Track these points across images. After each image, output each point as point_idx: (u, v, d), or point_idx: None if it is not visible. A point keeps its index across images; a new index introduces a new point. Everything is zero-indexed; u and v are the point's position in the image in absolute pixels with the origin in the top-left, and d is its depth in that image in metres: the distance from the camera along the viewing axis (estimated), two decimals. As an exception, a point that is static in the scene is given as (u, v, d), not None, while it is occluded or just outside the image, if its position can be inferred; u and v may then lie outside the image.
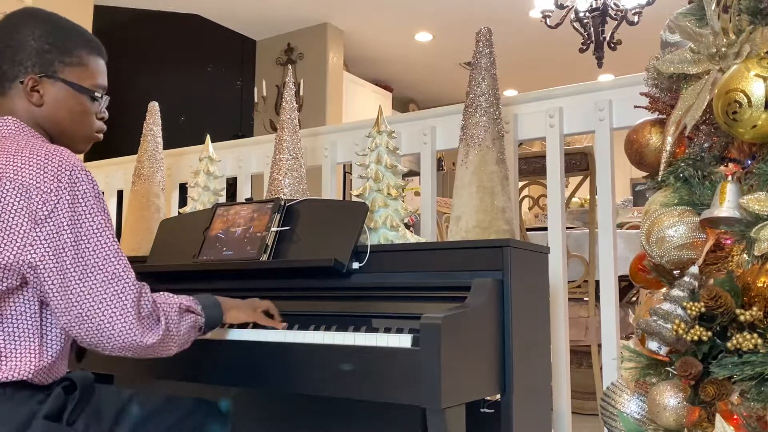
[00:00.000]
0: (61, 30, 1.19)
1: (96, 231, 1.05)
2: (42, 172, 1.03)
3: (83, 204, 1.05)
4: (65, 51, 1.18)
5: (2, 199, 1.02)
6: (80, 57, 1.20)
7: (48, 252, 1.02)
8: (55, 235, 1.02)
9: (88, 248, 1.04)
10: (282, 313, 1.48)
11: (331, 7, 5.62)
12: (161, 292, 1.16)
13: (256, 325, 1.40)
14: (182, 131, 4.00)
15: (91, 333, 1.03)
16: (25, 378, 1.04)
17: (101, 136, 1.26)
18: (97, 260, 1.04)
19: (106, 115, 1.27)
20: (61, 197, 1.03)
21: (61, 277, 1.02)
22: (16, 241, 1.01)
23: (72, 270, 1.03)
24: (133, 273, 1.09)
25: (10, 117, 1.15)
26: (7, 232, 1.01)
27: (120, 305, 1.04)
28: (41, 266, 1.02)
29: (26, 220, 1.02)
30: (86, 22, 4.24)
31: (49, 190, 1.03)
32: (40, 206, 1.02)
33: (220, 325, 1.28)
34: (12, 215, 1.02)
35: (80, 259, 1.03)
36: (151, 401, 1.19)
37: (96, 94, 1.22)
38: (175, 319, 1.12)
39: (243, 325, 1.43)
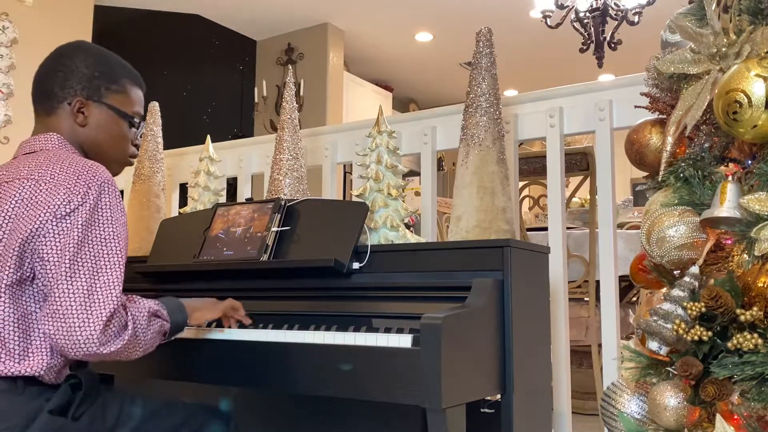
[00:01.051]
0: (108, 61, 1.32)
1: (103, 240, 1.10)
2: (76, 178, 1.12)
3: (102, 213, 1.11)
4: (111, 79, 1.29)
5: (35, 197, 1.10)
6: (124, 86, 1.31)
7: (57, 246, 1.07)
8: (67, 233, 1.08)
9: (89, 252, 1.09)
10: (282, 313, 1.48)
11: (331, 7, 5.62)
12: (132, 296, 1.18)
13: (241, 325, 1.43)
14: (182, 131, 3.99)
15: (60, 333, 1.04)
16: (36, 374, 1.08)
17: (134, 161, 1.37)
18: (93, 265, 1.08)
19: (140, 142, 1.37)
20: (86, 201, 1.10)
21: (56, 270, 1.07)
22: (35, 232, 1.08)
23: (66, 266, 1.06)
24: (120, 287, 1.11)
25: (54, 133, 1.24)
26: (30, 224, 1.08)
27: (96, 314, 1.05)
28: (47, 258, 1.07)
29: (47, 212, 1.09)
30: (87, 22, 4.24)
31: (77, 192, 1.10)
32: (63, 204, 1.09)
33: (184, 329, 1.28)
34: (41, 210, 1.09)
35: (78, 259, 1.07)
36: (154, 403, 1.21)
37: (135, 120, 1.33)
38: (143, 325, 1.13)
39: (242, 325, 1.43)
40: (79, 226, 1.08)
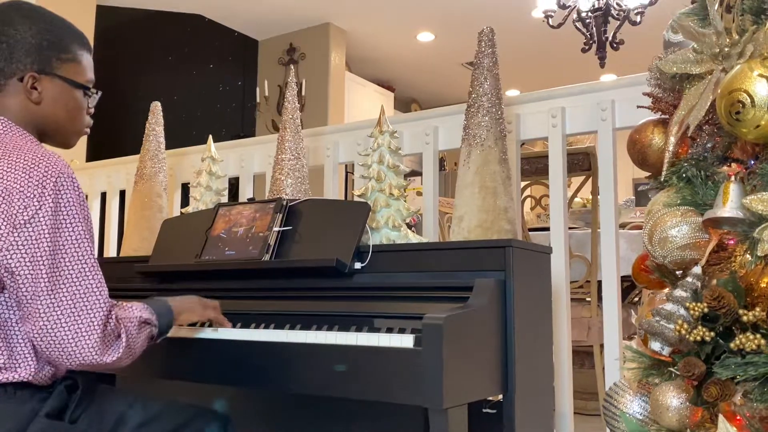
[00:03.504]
0: (56, 25, 1.19)
1: (75, 242, 1.03)
2: (27, 177, 1.02)
3: (65, 212, 1.03)
4: (61, 47, 1.18)
5: None
6: (74, 53, 1.20)
7: (25, 258, 1.00)
8: (34, 242, 1.00)
9: (64, 259, 1.02)
10: (284, 313, 1.48)
11: (333, 7, 5.62)
12: (120, 303, 1.13)
13: (243, 325, 1.40)
14: (184, 131, 4.00)
15: (52, 347, 1.00)
16: (25, 380, 1.04)
17: (89, 130, 1.27)
18: (71, 273, 1.02)
19: (93, 109, 1.27)
20: (43, 203, 1.01)
21: (34, 285, 1.00)
22: None
23: (45, 280, 1.00)
24: (106, 289, 1.06)
25: None
26: None
27: (86, 322, 1.01)
28: (17, 272, 1.00)
29: (5, 223, 1.00)
30: (89, 22, 4.24)
31: (32, 196, 1.01)
32: (20, 211, 1.00)
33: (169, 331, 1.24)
34: None
35: (55, 270, 1.01)
36: (153, 405, 1.19)
37: (89, 89, 1.23)
38: (134, 334, 1.10)
39: (245, 325, 1.43)
40: (46, 235, 1.00)
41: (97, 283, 1.05)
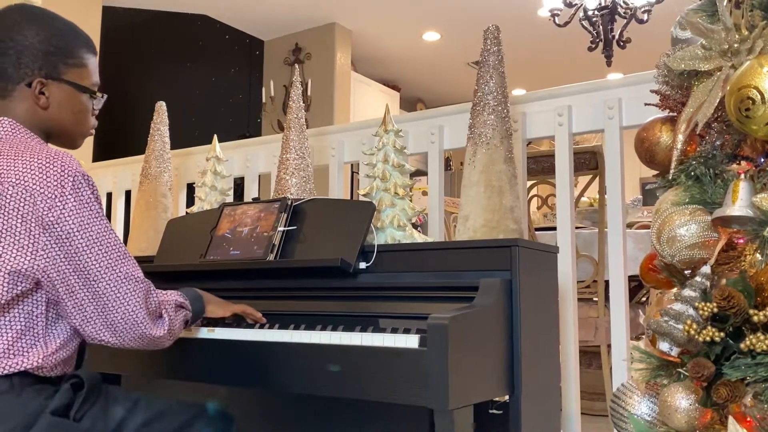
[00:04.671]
0: (62, 30, 1.21)
1: (104, 234, 1.09)
2: (45, 177, 1.05)
3: (88, 209, 1.08)
4: (68, 53, 1.20)
5: (6, 204, 1.04)
6: (81, 57, 1.22)
7: (60, 256, 1.05)
8: (66, 240, 1.05)
9: (101, 251, 1.08)
10: (288, 313, 1.47)
11: (338, 7, 5.61)
12: (158, 290, 1.20)
13: (249, 325, 1.43)
14: (190, 131, 4.00)
15: (106, 328, 1.08)
16: (29, 368, 1.06)
17: (94, 131, 1.30)
18: (110, 261, 1.09)
19: (98, 111, 1.30)
20: (66, 203, 1.06)
21: (81, 279, 1.07)
22: (29, 247, 1.04)
23: (91, 271, 1.07)
24: (141, 271, 1.14)
25: (4, 118, 1.15)
26: (18, 238, 1.03)
27: (133, 301, 1.10)
28: (55, 271, 1.06)
29: (35, 225, 1.04)
30: (95, 23, 4.25)
31: (53, 196, 1.05)
32: (46, 212, 1.04)
33: (201, 319, 1.34)
34: (20, 220, 1.04)
35: (95, 262, 1.08)
36: (156, 404, 1.19)
37: (95, 92, 1.25)
38: (173, 315, 1.18)
39: (249, 325, 1.43)
40: (76, 232, 1.06)
41: (132, 265, 1.12)
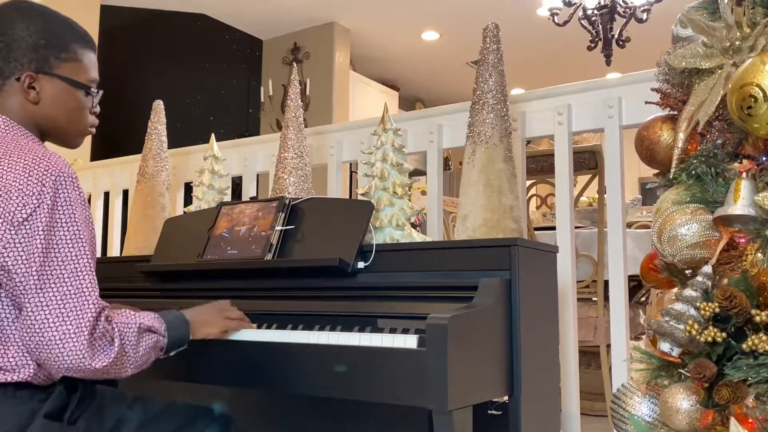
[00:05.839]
0: (55, 24, 1.17)
1: (69, 242, 1.02)
2: (26, 176, 1.02)
3: (62, 211, 1.03)
4: (60, 46, 1.16)
5: None
6: (75, 52, 1.18)
7: (21, 256, 0.99)
8: (29, 240, 1.00)
9: (57, 258, 1.01)
10: (286, 313, 1.46)
11: (337, 6, 5.61)
12: (122, 310, 1.10)
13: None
14: (188, 130, 3.99)
15: (40, 348, 0.99)
16: (23, 380, 1.03)
17: (94, 130, 1.25)
18: (62, 272, 1.01)
19: (98, 109, 1.25)
20: (42, 202, 1.01)
21: (25, 283, 0.99)
22: None
23: (35, 277, 0.99)
24: (97, 291, 1.04)
25: None
26: None
27: (75, 323, 0.99)
28: (13, 270, 0.99)
29: (3, 221, 0.99)
30: (93, 22, 4.24)
31: (31, 194, 1.01)
32: (18, 209, 1.00)
33: (187, 344, 1.21)
34: None
35: (46, 268, 1.00)
36: (153, 406, 1.18)
37: (91, 89, 1.21)
38: (132, 341, 1.06)
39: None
40: (41, 232, 1.00)
41: (88, 283, 1.02)
